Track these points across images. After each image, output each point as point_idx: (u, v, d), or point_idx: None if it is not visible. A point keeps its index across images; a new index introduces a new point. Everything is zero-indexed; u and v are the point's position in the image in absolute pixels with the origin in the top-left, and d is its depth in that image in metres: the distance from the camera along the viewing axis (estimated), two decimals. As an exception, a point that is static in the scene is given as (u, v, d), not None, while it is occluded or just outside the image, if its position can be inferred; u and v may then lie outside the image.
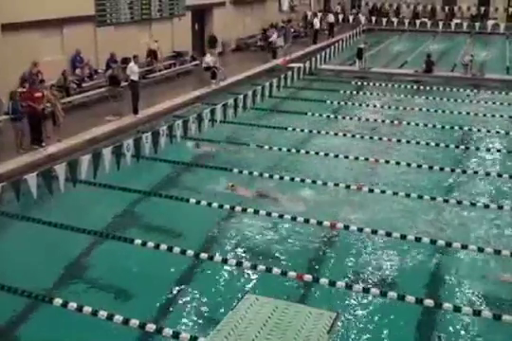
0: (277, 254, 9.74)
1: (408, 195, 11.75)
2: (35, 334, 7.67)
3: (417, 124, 16.90)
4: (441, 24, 34.96)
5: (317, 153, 14.30)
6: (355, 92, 21.26)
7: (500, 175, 13.11)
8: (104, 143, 14.28)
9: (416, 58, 27.78)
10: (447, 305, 8.04)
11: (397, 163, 13.62)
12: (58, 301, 8.00)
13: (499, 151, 14.86)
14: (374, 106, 19.08)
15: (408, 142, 15.22)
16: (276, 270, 8.85)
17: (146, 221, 11.11)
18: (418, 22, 35.27)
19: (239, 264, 9.12)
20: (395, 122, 17.13)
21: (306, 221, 10.52)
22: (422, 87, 21.71)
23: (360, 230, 10.21)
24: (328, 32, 33.28)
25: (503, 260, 9.41)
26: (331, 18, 33.52)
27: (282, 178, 12.64)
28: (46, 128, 14.53)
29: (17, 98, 13.94)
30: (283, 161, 14.20)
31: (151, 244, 9.50)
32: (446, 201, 11.60)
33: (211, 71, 21.22)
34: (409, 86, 21.89)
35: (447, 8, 38.37)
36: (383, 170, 13.62)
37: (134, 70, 16.98)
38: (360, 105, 19.32)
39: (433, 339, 7.72)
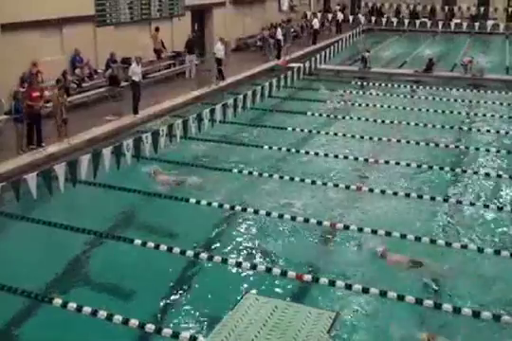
0: (277, 254, 9.74)
1: (408, 195, 11.78)
2: (35, 334, 7.67)
3: (417, 124, 16.92)
4: (441, 24, 34.96)
5: (316, 154, 14.31)
6: (354, 92, 21.26)
7: (499, 176, 13.14)
8: (104, 143, 14.34)
9: (416, 58, 27.81)
10: (446, 306, 8.05)
11: (397, 163, 13.65)
12: (58, 301, 8.01)
13: (498, 151, 14.82)
14: (374, 106, 19.08)
15: (408, 142, 15.23)
16: (276, 270, 8.86)
17: (146, 221, 11.11)
18: (418, 22, 35.25)
19: (239, 264, 9.13)
20: (396, 122, 17.14)
21: (306, 220, 10.55)
22: (422, 87, 21.73)
23: (360, 230, 10.23)
24: (336, 29, 35.23)
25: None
26: (340, 16, 35.81)
27: (281, 177, 12.67)
28: (47, 128, 14.53)
29: (20, 97, 13.91)
30: (282, 161, 14.20)
31: (151, 244, 9.50)
32: (445, 200, 11.64)
33: (218, 69, 21.20)
34: (408, 86, 21.91)
35: (446, 8, 38.38)
36: (382, 169, 13.63)
37: (136, 71, 17.03)
38: (360, 105, 19.32)
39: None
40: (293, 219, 10.63)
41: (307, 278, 8.71)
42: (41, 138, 14.07)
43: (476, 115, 18.31)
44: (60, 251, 9.76)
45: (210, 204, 11.17)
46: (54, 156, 13.53)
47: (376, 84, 22.35)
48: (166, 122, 14.99)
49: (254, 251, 9.81)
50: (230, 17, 28.18)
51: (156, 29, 22.19)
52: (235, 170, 13.07)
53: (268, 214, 10.83)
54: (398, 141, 15.34)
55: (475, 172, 13.32)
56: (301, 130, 16.23)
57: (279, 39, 26.82)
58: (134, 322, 7.52)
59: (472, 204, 11.60)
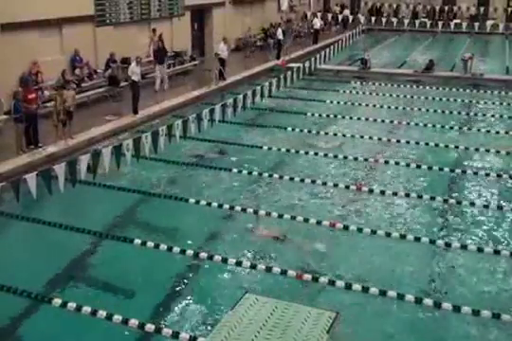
0: (276, 253, 9.74)
1: (407, 195, 11.79)
2: (35, 334, 7.66)
3: (417, 124, 16.92)
4: (440, 24, 34.97)
5: (316, 154, 14.31)
6: (354, 92, 21.26)
7: (499, 176, 13.13)
8: (104, 143, 14.35)
9: (415, 58, 27.82)
10: (446, 305, 8.07)
11: (397, 163, 13.66)
12: (57, 301, 8.00)
13: (498, 152, 14.79)
14: (374, 106, 19.09)
15: (407, 142, 15.22)
16: (276, 270, 8.86)
17: (146, 221, 11.09)
18: (418, 22, 35.26)
19: (239, 264, 9.13)
20: (395, 122, 17.15)
21: (306, 220, 10.55)
22: (422, 87, 21.73)
23: (360, 230, 10.23)
24: (343, 26, 36.10)
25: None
26: (346, 12, 37.03)
27: (281, 177, 12.67)
28: (47, 128, 14.51)
29: (19, 97, 13.88)
30: (282, 161, 14.20)
31: (151, 244, 9.52)
32: (445, 201, 11.64)
33: (219, 70, 21.15)
34: (408, 86, 21.90)
35: (446, 8, 38.36)
36: (382, 170, 13.63)
37: (135, 71, 17.04)
38: (360, 105, 19.32)
39: (433, 338, 7.74)
40: (293, 218, 10.64)
41: (307, 277, 8.72)
42: (37, 139, 14.02)
43: (476, 115, 18.30)
44: (60, 251, 9.74)
45: (209, 204, 11.18)
46: (54, 156, 13.52)
47: (376, 84, 22.36)
48: (166, 122, 14.96)
49: (254, 251, 9.80)
50: (230, 17, 28.18)
51: (153, 30, 22.11)
52: (235, 170, 13.08)
53: (268, 214, 10.84)
54: (398, 141, 15.34)
55: (475, 173, 13.31)
56: (301, 130, 16.24)
57: (279, 39, 26.80)
58: (134, 322, 7.53)
59: (472, 204, 11.61)
